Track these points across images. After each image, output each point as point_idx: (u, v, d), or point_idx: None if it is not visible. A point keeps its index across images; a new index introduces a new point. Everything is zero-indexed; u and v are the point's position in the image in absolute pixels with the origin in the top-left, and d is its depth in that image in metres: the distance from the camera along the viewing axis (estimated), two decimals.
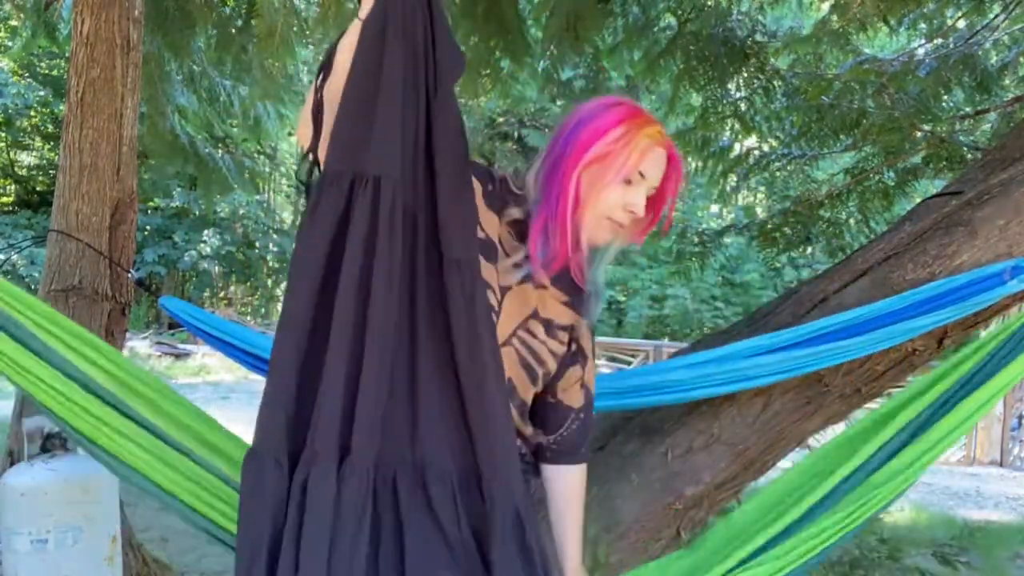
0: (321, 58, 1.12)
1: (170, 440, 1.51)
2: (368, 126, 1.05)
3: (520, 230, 1.24)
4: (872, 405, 1.96)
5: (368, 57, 1.05)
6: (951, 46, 3.90)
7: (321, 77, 1.10)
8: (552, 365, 1.28)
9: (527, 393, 1.27)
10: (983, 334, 1.65)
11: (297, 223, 23.78)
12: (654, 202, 1.24)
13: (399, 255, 1.05)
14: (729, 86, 3.80)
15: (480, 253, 1.16)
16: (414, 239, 1.08)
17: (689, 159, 4.36)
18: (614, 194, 1.19)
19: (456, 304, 1.06)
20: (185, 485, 1.46)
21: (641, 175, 1.19)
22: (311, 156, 1.11)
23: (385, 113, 1.05)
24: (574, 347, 1.31)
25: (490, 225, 1.23)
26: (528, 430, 1.30)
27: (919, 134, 3.60)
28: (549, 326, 1.26)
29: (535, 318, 1.24)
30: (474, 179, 1.20)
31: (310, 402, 1.04)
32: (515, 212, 1.24)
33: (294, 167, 22.95)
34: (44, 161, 19.10)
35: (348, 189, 1.04)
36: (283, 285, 23.84)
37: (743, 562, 1.47)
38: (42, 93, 17.02)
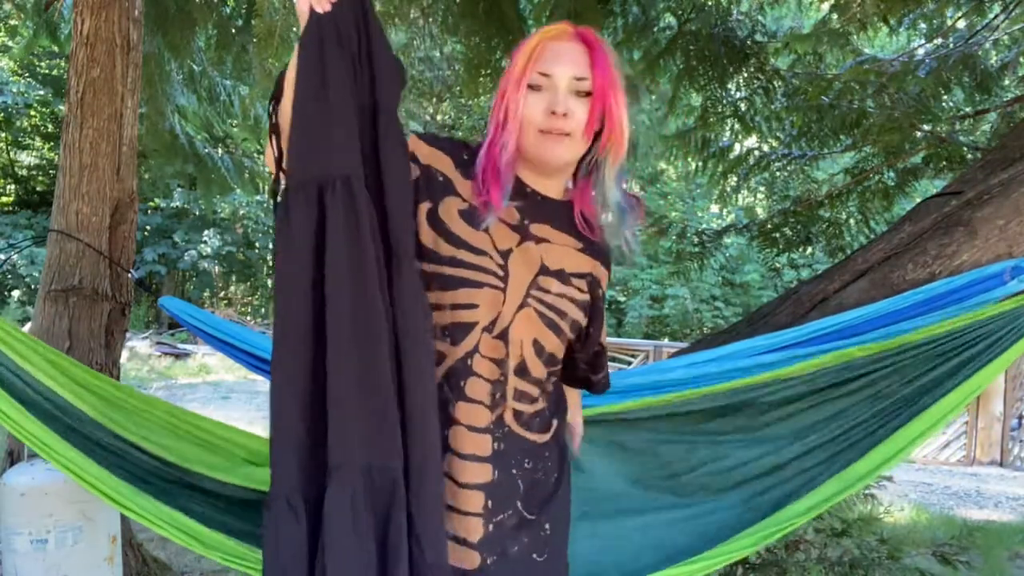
0: (272, 88, 1.16)
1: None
2: (326, 132, 1.07)
3: None
4: None
5: (311, 68, 1.07)
6: (951, 46, 3.90)
7: (273, 104, 1.14)
8: (577, 313, 1.25)
9: (558, 349, 1.27)
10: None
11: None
12: (597, 100, 1.17)
13: (374, 251, 1.07)
14: (729, 86, 3.80)
15: (467, 222, 1.20)
16: (373, 235, 1.10)
17: (689, 159, 4.35)
18: (532, 105, 1.16)
19: (406, 301, 1.08)
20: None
21: (544, 75, 1.16)
22: (279, 174, 1.13)
23: (341, 117, 1.07)
24: (598, 297, 1.30)
25: (469, 193, 1.22)
26: (548, 386, 1.30)
27: (919, 134, 3.60)
28: (562, 276, 1.24)
29: (544, 274, 1.23)
30: (442, 154, 1.22)
31: (321, 428, 1.03)
32: None
33: None
34: (44, 161, 19.09)
35: (317, 195, 1.06)
36: None
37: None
38: (42, 93, 17.02)
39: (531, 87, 1.16)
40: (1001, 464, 7.81)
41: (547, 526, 1.25)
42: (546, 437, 1.28)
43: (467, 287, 1.18)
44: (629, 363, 11.16)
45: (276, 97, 1.13)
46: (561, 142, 1.17)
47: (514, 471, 1.22)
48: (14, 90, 16.34)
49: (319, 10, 1.07)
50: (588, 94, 1.17)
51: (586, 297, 1.27)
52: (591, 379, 1.42)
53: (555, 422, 1.30)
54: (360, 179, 1.07)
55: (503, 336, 1.19)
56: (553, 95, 1.15)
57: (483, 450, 1.19)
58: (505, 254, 1.21)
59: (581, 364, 1.39)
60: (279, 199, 1.10)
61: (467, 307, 1.18)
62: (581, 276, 1.26)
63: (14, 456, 2.43)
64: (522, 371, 1.22)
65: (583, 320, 1.28)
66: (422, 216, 1.20)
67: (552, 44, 1.16)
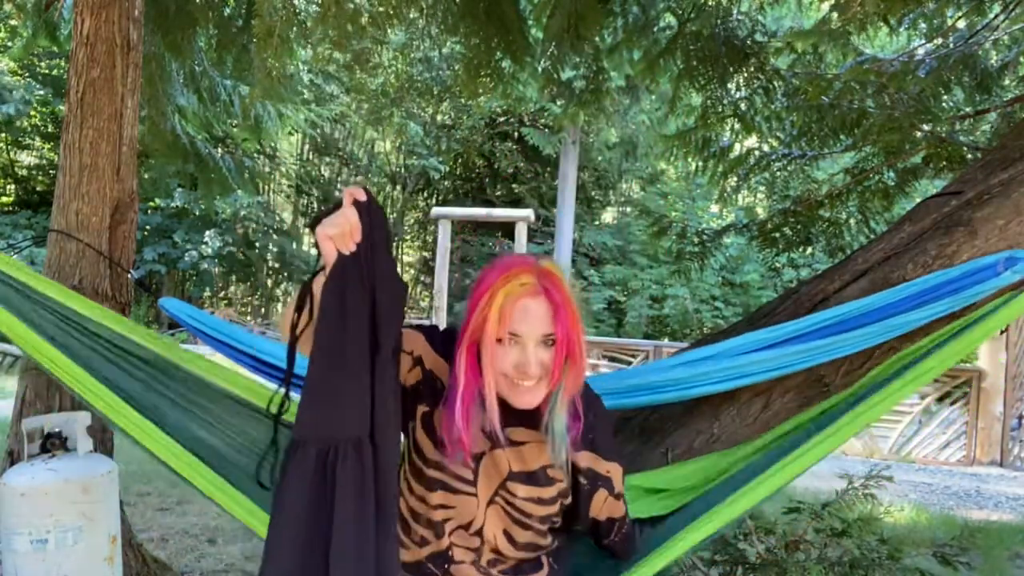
0: (295, 298, 1.18)
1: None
2: (343, 397, 1.10)
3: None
4: None
5: (334, 323, 1.10)
6: (951, 46, 3.90)
7: (297, 318, 1.17)
8: (550, 508, 1.30)
9: (535, 537, 1.32)
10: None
11: (296, 225, 23.76)
12: (561, 347, 1.21)
13: (374, 508, 1.10)
14: (729, 86, 3.80)
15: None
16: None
17: (689, 159, 4.36)
18: (500, 358, 1.20)
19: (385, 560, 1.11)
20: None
21: (512, 335, 1.19)
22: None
23: (358, 376, 1.10)
24: (584, 479, 1.33)
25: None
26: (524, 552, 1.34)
27: (919, 134, 3.60)
28: (532, 477, 1.29)
29: (512, 479, 1.29)
30: (445, 363, 1.27)
31: None
32: None
33: (294, 167, 22.91)
34: (44, 161, 19.09)
35: (324, 455, 1.09)
36: (283, 286, 23.76)
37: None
38: (42, 93, 17.01)
39: (499, 341, 1.20)
40: (1001, 464, 7.81)
41: None
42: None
43: (445, 491, 1.28)
44: (629, 363, 11.16)
45: (299, 311, 1.16)
46: (530, 391, 1.22)
47: None
48: (14, 89, 16.33)
49: (345, 252, 1.09)
50: (555, 342, 1.20)
51: (562, 486, 1.31)
52: (599, 542, 1.44)
53: (543, 558, 1.36)
54: (367, 439, 1.10)
55: (478, 533, 1.29)
56: (522, 353, 1.19)
57: None
58: (478, 458, 1.28)
59: (581, 528, 1.41)
60: (290, 450, 1.11)
61: (445, 507, 1.28)
62: (559, 466, 1.30)
63: (14, 456, 2.43)
64: (497, 559, 1.31)
65: (557, 510, 1.32)
66: (419, 418, 1.29)
67: (520, 303, 1.18)
